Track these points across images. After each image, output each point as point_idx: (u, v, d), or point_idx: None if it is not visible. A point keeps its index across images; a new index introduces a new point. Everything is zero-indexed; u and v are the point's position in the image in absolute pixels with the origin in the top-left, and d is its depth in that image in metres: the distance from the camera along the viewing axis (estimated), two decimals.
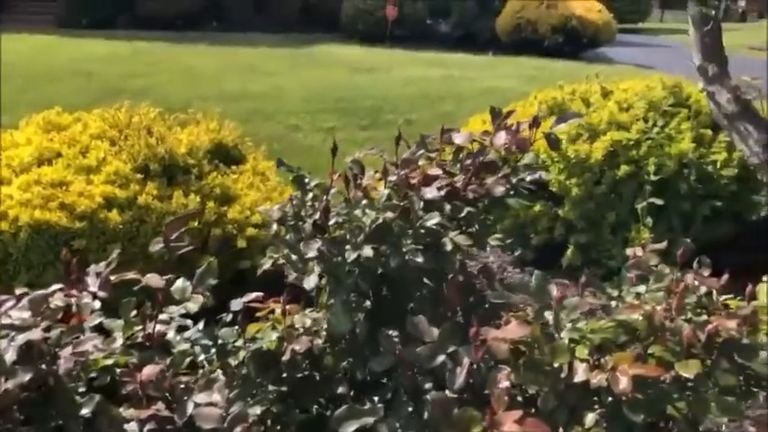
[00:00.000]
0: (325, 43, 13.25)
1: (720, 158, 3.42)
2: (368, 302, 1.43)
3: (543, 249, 3.63)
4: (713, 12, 2.97)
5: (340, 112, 7.35)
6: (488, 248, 4.21)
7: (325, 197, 1.29)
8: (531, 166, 1.54)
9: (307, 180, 1.33)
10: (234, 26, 14.75)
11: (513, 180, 1.53)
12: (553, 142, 1.69)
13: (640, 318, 1.06)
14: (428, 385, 1.12)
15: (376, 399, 1.30)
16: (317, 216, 1.23)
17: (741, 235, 3.68)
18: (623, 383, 0.93)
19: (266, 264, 1.34)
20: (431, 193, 1.26)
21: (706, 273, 1.31)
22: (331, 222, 1.24)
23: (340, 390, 1.36)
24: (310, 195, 1.30)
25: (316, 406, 1.42)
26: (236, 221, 2.68)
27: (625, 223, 3.39)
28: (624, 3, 20.39)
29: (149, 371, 1.21)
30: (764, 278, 3.09)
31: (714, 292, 1.27)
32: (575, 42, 13.02)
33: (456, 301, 1.22)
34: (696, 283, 1.24)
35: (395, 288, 1.36)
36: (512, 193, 1.55)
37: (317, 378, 1.40)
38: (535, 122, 1.72)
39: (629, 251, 1.38)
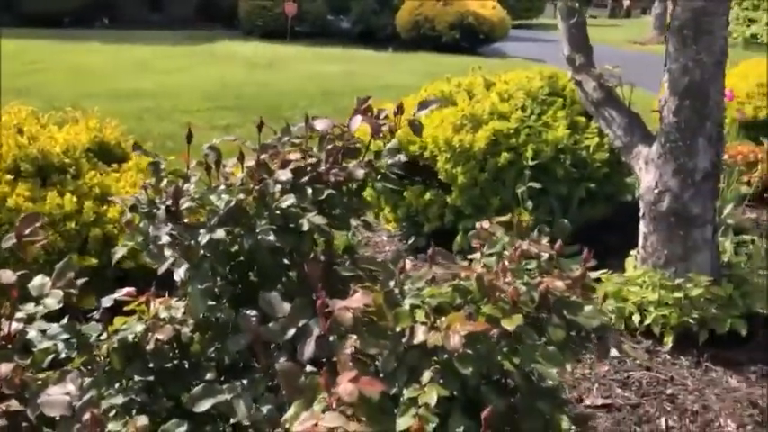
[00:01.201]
0: (223, 40, 13.00)
1: (593, 143, 3.65)
2: (238, 288, 1.45)
3: (435, 236, 3.75)
4: (578, 5, 3.17)
5: (238, 109, 7.25)
6: (386, 238, 4.32)
7: (180, 183, 1.30)
8: (393, 150, 1.62)
9: (163, 166, 1.34)
10: (127, 24, 14.19)
11: (377, 164, 1.60)
12: (416, 128, 1.77)
13: (474, 281, 1.16)
14: (284, 359, 1.16)
15: (245, 381, 1.33)
16: (169, 202, 1.24)
17: (616, 214, 3.97)
18: (454, 340, 1.01)
19: (119, 252, 1.33)
20: (285, 175, 1.30)
21: (544, 240, 1.41)
22: (184, 207, 1.25)
23: (209, 376, 1.38)
24: (165, 182, 1.31)
25: (187, 393, 1.42)
26: (117, 221, 2.62)
27: (508, 207, 3.56)
28: (519, 0, 21.18)
29: (2, 369, 1.19)
30: (632, 252, 3.33)
31: (554, 256, 1.38)
32: (471, 38, 13.42)
33: (317, 279, 1.26)
34: (535, 249, 1.34)
35: (261, 272, 1.39)
36: (378, 177, 1.63)
37: (186, 366, 1.40)
38: (399, 110, 1.80)
39: (477, 224, 1.48)
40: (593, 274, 3.24)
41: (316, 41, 13.09)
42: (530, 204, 3.49)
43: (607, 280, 3.02)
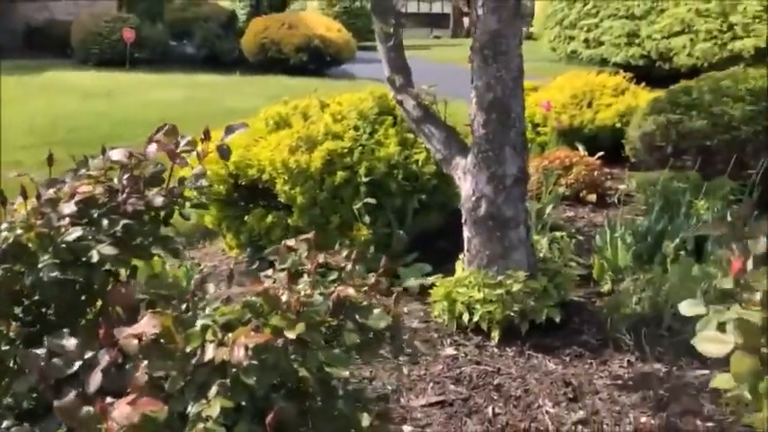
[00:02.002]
0: (55, 69, 12.21)
1: (421, 158, 3.87)
2: (35, 328, 1.41)
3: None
4: (392, 30, 3.37)
5: (72, 142, 6.84)
6: (232, 265, 4.28)
7: None
8: (198, 176, 1.65)
9: None
10: None
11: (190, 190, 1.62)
12: (223, 152, 1.81)
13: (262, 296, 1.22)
14: (73, 393, 1.15)
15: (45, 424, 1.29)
16: None
17: (449, 221, 4.23)
18: (239, 354, 1.06)
19: None
20: (68, 208, 1.29)
21: (344, 253, 1.51)
22: None
23: (6, 424, 1.32)
24: None
25: None
26: None
27: (348, 223, 3.69)
28: (366, 23, 21.84)
29: None
30: (460, 256, 3.56)
31: (352, 266, 1.48)
32: (319, 60, 13.66)
33: (112, 310, 1.26)
34: (332, 260, 1.43)
35: (57, 310, 1.36)
36: (187, 204, 1.65)
37: None
38: (206, 136, 1.83)
39: (283, 242, 1.54)
40: (429, 279, 3.45)
41: (157, 68, 12.68)
42: (367, 219, 3.64)
43: (440, 283, 3.22)
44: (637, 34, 12.75)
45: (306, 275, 1.36)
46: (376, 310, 1.30)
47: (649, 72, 12.34)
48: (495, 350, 2.92)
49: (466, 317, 3.02)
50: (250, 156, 3.86)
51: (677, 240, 3.57)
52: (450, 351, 2.90)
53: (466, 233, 3.21)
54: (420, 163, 3.87)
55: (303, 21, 14.09)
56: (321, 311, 1.26)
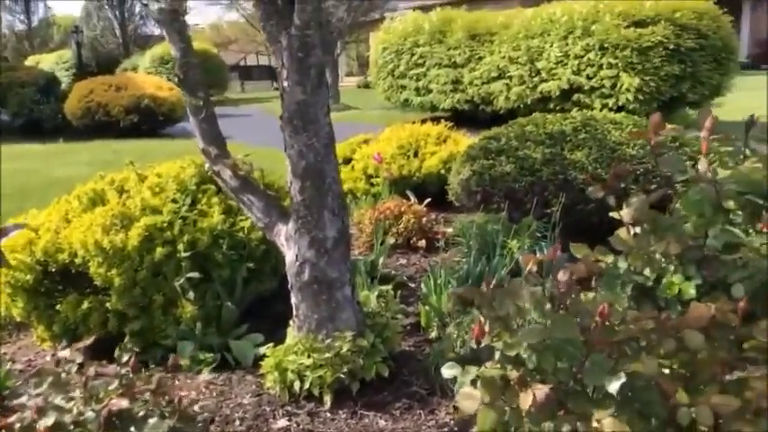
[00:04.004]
0: None
1: (247, 225, 3.85)
2: None
3: (100, 346, 3.55)
4: (202, 103, 3.36)
5: None
6: (49, 357, 3.93)
7: None
8: None
9: None
10: None
11: None
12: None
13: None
14: None
15: None
16: None
17: (284, 285, 4.22)
18: None
19: None
20: None
21: (124, 358, 1.45)
22: None
23: None
24: None
25: None
26: None
27: (173, 301, 3.55)
28: (206, 77, 21.52)
29: None
30: (290, 322, 3.54)
31: (133, 373, 1.43)
32: (152, 120, 13.22)
33: None
34: (104, 370, 1.37)
35: None
36: None
37: None
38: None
39: (55, 356, 1.46)
40: (260, 350, 3.40)
41: None
42: (192, 294, 3.53)
43: (270, 353, 3.18)
44: (460, 81, 13.74)
45: (78, 390, 1.30)
46: (152, 420, 1.26)
47: (474, 115, 13.36)
48: (329, 415, 2.92)
49: (297, 385, 3.00)
50: (60, 239, 3.62)
51: (494, 281, 3.83)
52: (282, 423, 2.86)
53: (293, 299, 3.22)
54: (246, 230, 3.84)
55: (132, 81, 13.61)
56: (92, 430, 1.20)
